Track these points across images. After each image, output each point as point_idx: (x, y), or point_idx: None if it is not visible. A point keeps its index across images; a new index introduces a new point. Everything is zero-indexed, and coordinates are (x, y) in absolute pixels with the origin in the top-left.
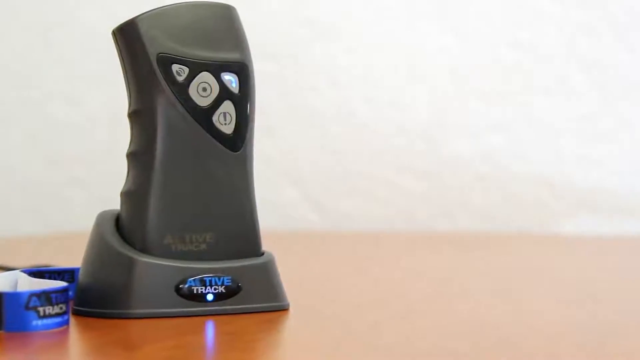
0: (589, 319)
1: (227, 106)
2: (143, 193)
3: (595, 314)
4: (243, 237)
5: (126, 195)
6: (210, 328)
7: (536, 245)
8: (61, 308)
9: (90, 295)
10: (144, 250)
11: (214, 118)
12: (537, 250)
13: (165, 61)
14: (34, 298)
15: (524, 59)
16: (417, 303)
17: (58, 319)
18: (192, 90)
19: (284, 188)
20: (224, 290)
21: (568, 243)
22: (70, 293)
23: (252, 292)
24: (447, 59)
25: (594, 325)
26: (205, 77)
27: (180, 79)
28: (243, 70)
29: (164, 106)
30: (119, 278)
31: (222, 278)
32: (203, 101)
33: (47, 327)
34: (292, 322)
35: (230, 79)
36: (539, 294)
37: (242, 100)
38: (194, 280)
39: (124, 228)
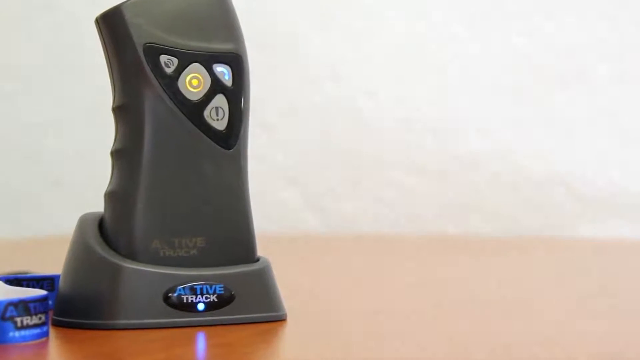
0: (611, 330)
1: (220, 100)
2: (129, 194)
3: (617, 325)
4: (237, 242)
5: (110, 196)
6: (201, 340)
7: (553, 250)
8: (40, 318)
9: (71, 305)
10: (130, 256)
11: (206, 113)
12: (554, 256)
13: (153, 51)
14: (11, 308)
15: (540, 49)
16: (426, 313)
17: (37, 330)
18: (182, 83)
19: (281, 189)
20: (216, 299)
21: (588, 248)
22: (50, 302)
23: (246, 301)
24: (458, 50)
25: (617, 338)
26: (195, 68)
27: (168, 70)
28: (237, 62)
29: (151, 100)
30: (102, 286)
31: (214, 286)
32: (193, 95)
33: (25, 338)
34: (290, 333)
35: (223, 71)
36: (557, 303)
37: (236, 93)
38: (183, 288)
39: (108, 232)
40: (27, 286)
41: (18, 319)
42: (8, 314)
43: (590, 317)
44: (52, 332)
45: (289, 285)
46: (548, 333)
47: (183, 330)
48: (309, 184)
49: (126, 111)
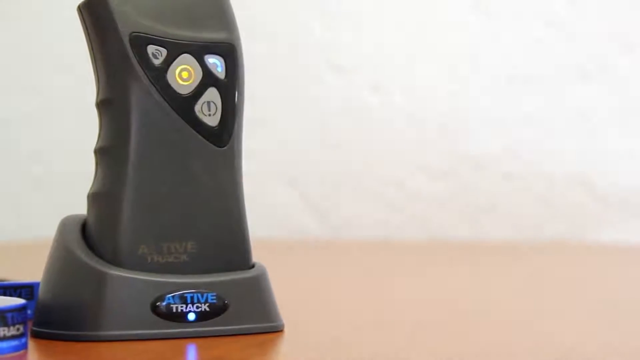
0: (634, 344)
1: (212, 94)
2: (114, 195)
3: None
4: (230, 247)
5: (94, 197)
6: (191, 352)
7: (573, 256)
8: (18, 329)
9: (52, 315)
10: (115, 262)
11: (197, 108)
12: (574, 261)
13: (140, 41)
14: None
15: (558, 38)
16: (434, 325)
17: (15, 342)
18: (171, 76)
19: (278, 189)
20: (207, 309)
21: (610, 252)
22: (29, 312)
23: (240, 311)
24: (469, 39)
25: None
26: (186, 60)
27: (157, 62)
28: (230, 52)
29: (138, 94)
30: (86, 294)
31: (205, 294)
32: (184, 88)
33: (2, 351)
34: (287, 345)
35: (216, 63)
36: (577, 314)
37: (229, 87)
38: (173, 297)
39: (92, 236)
40: (4, 294)
41: None
42: None
43: (615, 327)
44: (31, 344)
45: (287, 293)
46: (568, 344)
47: (172, 342)
48: (309, 185)
49: (111, 106)
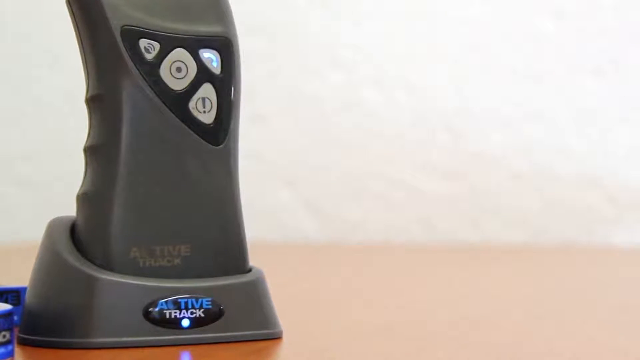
0: None
1: (207, 90)
2: (104, 196)
3: None
4: (226, 250)
5: (84, 198)
6: None
7: (584, 259)
8: (4, 336)
9: (40, 321)
10: (106, 265)
11: (191, 104)
12: (584, 265)
13: (131, 35)
14: None
15: (568, 31)
16: (439, 332)
17: (0, 350)
18: (164, 71)
19: (276, 190)
20: (202, 315)
21: (623, 256)
22: (16, 318)
23: (236, 317)
24: (474, 32)
25: None
26: (179, 54)
27: (149, 56)
28: (226, 47)
29: (130, 90)
30: (75, 300)
31: (200, 300)
32: (177, 84)
33: None
34: (285, 353)
35: (211, 57)
36: (588, 320)
37: (225, 82)
38: (166, 302)
39: (82, 239)
40: None
41: None
42: None
43: (626, 333)
44: (17, 351)
45: (285, 298)
46: (577, 350)
47: (166, 350)
48: (308, 185)
49: (101, 102)
